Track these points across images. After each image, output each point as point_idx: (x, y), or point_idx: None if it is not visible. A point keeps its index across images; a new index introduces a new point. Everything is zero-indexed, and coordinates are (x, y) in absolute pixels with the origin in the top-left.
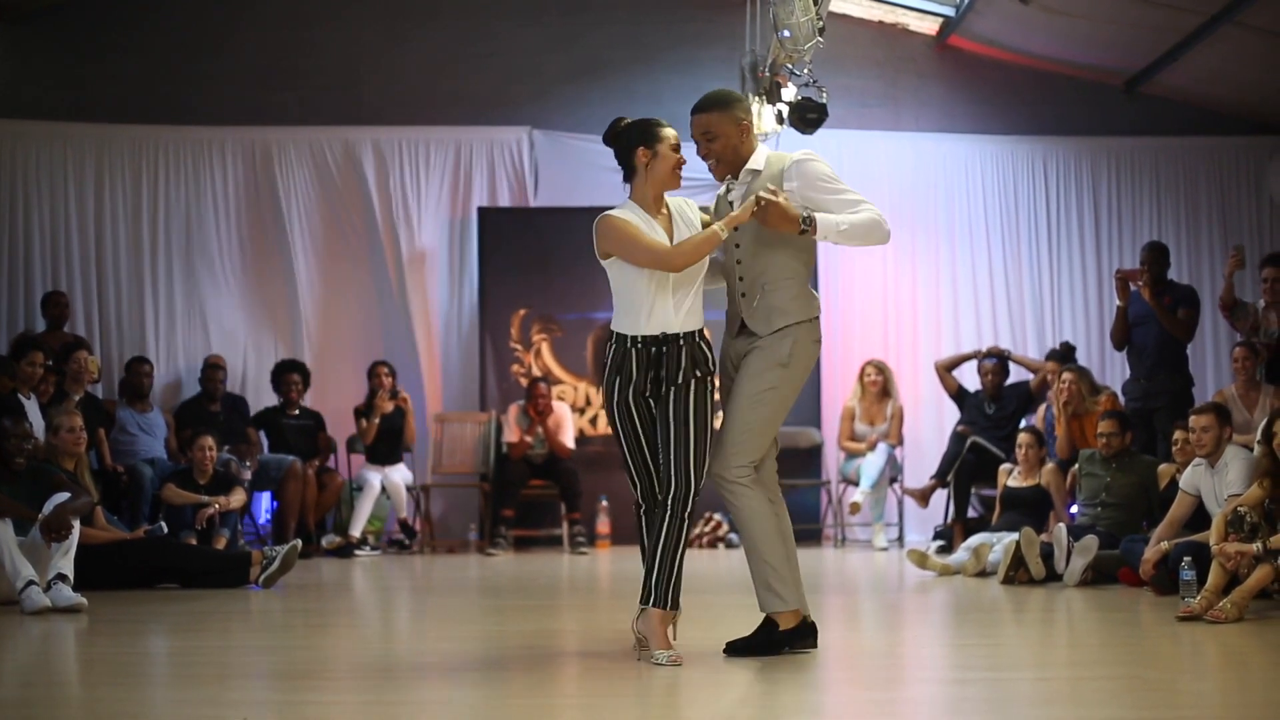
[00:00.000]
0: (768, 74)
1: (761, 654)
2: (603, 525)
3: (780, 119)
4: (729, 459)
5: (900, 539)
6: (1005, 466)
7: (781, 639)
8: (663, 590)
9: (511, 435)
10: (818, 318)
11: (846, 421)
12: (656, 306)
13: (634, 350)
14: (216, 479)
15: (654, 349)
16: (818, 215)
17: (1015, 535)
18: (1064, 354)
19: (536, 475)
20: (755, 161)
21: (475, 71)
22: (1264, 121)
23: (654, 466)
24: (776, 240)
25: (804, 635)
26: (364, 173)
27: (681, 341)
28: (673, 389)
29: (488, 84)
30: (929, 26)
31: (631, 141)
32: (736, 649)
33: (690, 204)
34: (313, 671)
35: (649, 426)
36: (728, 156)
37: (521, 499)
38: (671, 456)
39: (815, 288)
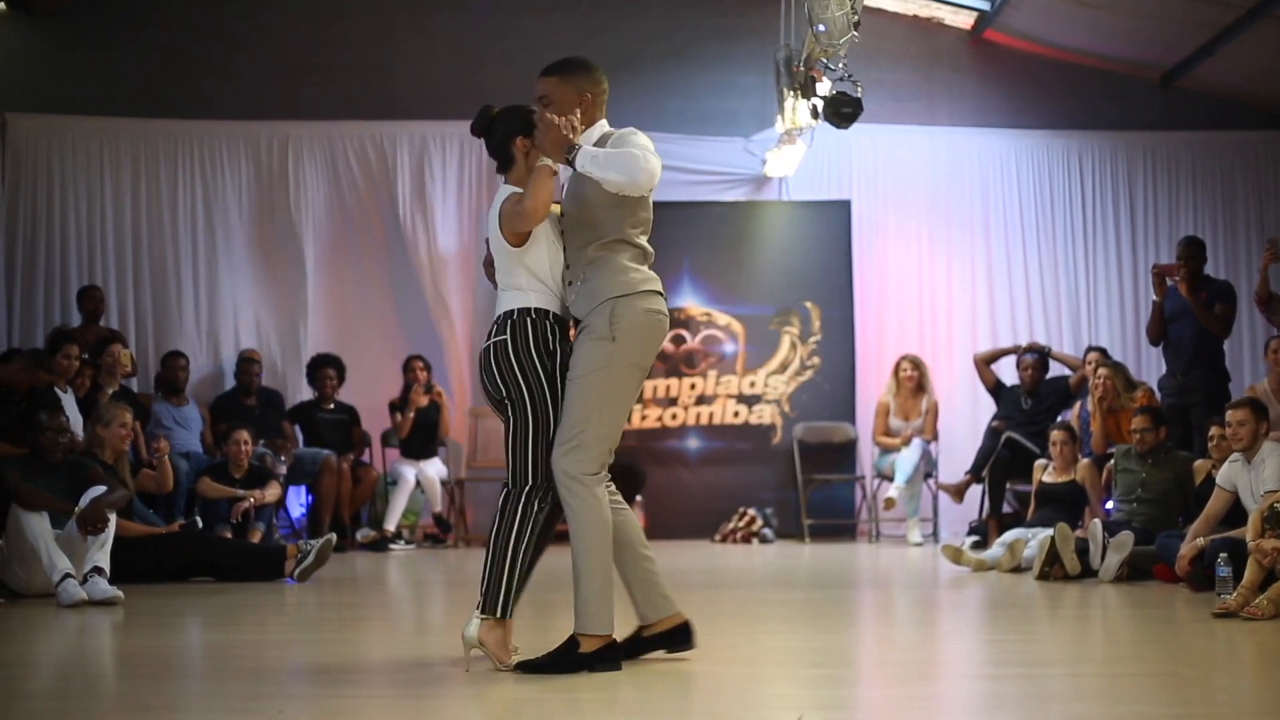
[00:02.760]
0: (802, 69)
1: (558, 673)
2: (639, 520)
3: (815, 114)
4: (573, 450)
5: (935, 534)
6: (1040, 462)
7: (581, 660)
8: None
9: None
10: (647, 292)
11: (881, 416)
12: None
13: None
14: (251, 473)
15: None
16: (582, 147)
17: (1050, 531)
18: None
19: None
20: (588, 136)
21: (506, 65)
22: None
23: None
24: (592, 224)
25: (608, 659)
26: (396, 167)
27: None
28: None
29: (518, 78)
30: (964, 21)
31: (510, 131)
32: (531, 667)
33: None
34: (347, 666)
35: None
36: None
37: None
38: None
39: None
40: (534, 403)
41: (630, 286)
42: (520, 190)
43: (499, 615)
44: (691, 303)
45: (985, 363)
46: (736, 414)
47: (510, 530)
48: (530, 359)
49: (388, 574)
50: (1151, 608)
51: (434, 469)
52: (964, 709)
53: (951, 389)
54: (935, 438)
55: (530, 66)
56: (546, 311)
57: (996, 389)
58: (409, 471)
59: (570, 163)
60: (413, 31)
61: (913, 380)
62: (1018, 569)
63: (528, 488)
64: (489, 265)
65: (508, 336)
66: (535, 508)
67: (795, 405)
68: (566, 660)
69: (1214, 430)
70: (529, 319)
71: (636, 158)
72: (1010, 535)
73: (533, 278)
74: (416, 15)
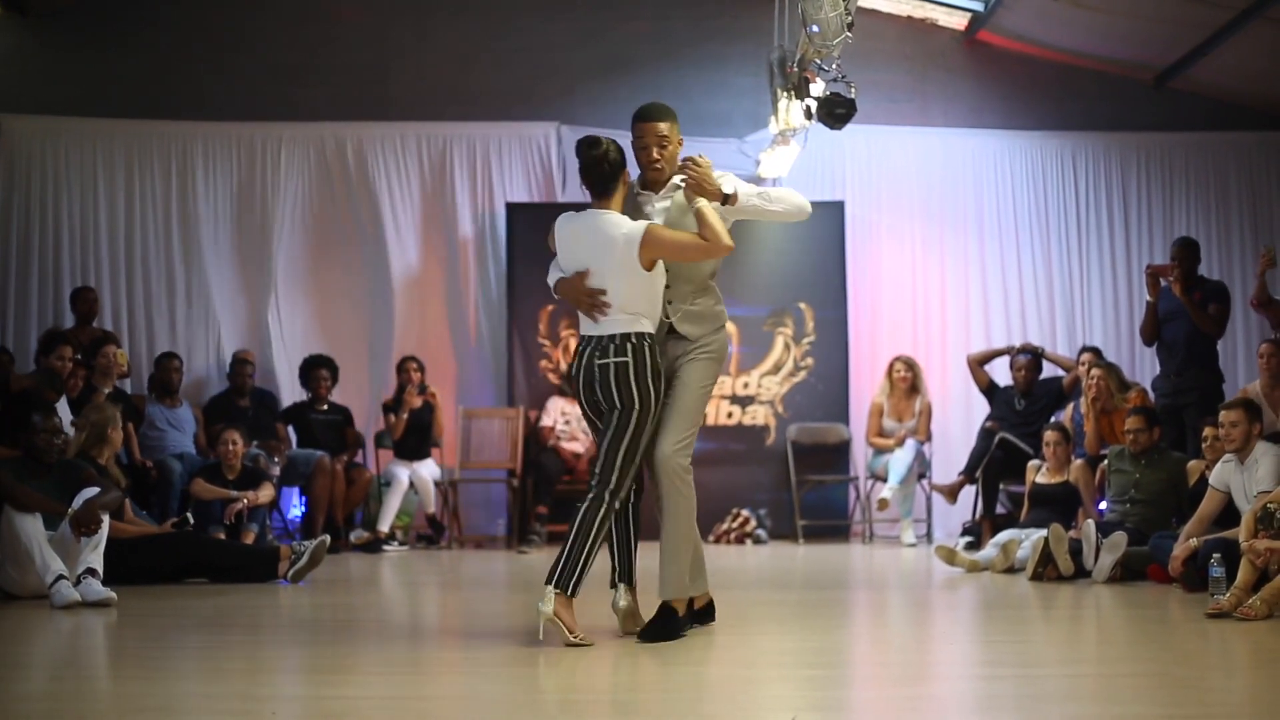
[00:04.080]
0: (796, 69)
1: (669, 639)
2: None
3: (808, 115)
4: (685, 447)
5: (928, 535)
6: (1034, 463)
7: (681, 623)
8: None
9: (546, 420)
10: None
11: (875, 417)
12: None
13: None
14: (244, 474)
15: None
16: (739, 188)
17: (1044, 532)
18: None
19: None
20: (678, 177)
21: (502, 67)
22: None
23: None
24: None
25: (704, 616)
26: (392, 169)
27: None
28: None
29: (515, 79)
30: (958, 21)
31: (623, 162)
32: (650, 637)
33: None
34: (340, 666)
35: None
36: (669, 166)
37: (554, 494)
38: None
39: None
40: (645, 419)
41: (726, 314)
42: (621, 215)
43: (569, 593)
44: None
45: (979, 363)
46: (730, 415)
47: (594, 523)
48: (648, 381)
49: (381, 575)
50: (1145, 608)
51: (427, 470)
52: (958, 709)
53: (945, 390)
54: (929, 438)
55: (526, 68)
56: (653, 337)
57: (990, 390)
58: (402, 473)
59: (728, 201)
60: (408, 33)
61: (906, 381)
62: (1011, 570)
63: (617, 491)
64: (589, 294)
65: (630, 359)
66: (617, 507)
67: (789, 406)
68: (673, 626)
69: (1207, 431)
70: (646, 344)
71: (792, 191)
72: (1004, 536)
73: (650, 305)
74: (412, 17)
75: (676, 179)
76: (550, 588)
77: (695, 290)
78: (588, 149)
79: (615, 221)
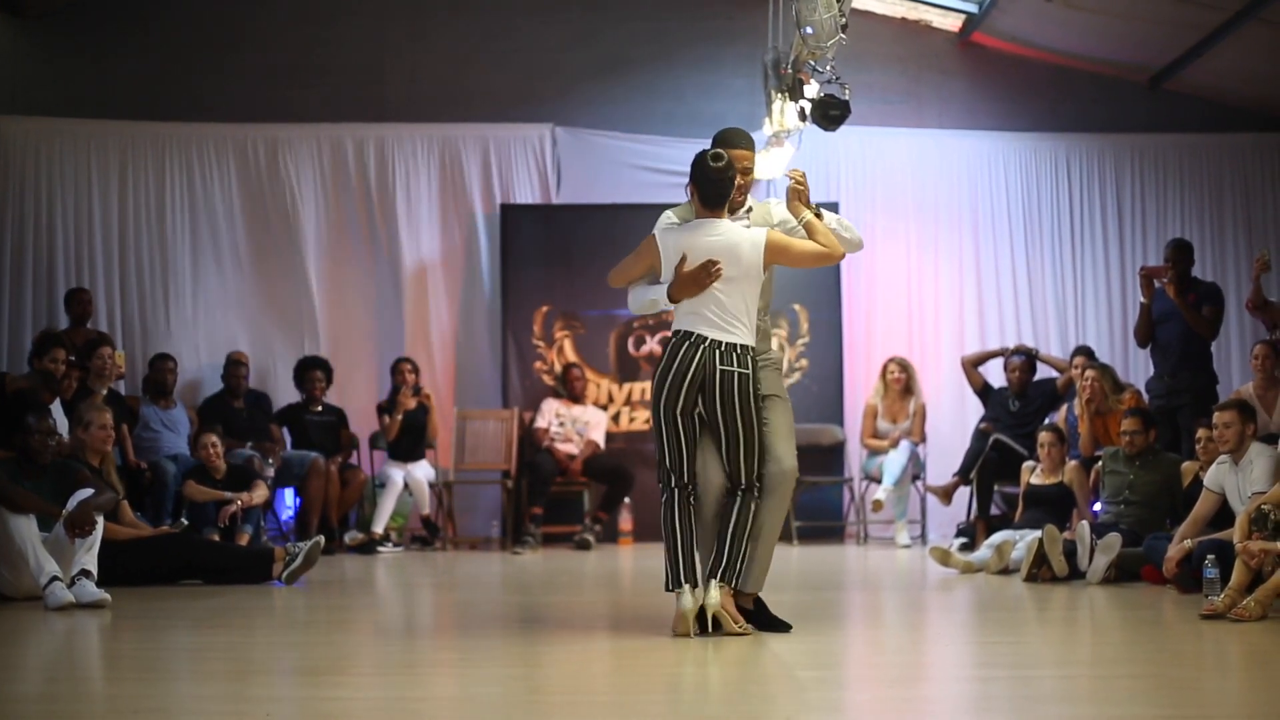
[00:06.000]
0: (790, 71)
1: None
2: (625, 523)
3: (803, 116)
4: (793, 457)
5: (923, 536)
6: (1028, 464)
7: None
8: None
9: (541, 422)
10: None
11: (869, 419)
12: None
13: None
14: (232, 473)
15: None
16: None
17: (1038, 533)
18: (1088, 355)
19: (584, 473)
20: (748, 202)
21: (497, 68)
22: None
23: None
24: (766, 285)
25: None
26: (387, 170)
27: None
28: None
29: (510, 81)
30: (952, 23)
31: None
32: (766, 626)
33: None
34: (335, 668)
35: None
36: (747, 192)
37: (549, 496)
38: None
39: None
40: (757, 424)
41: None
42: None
43: (733, 586)
44: None
45: (973, 365)
46: None
47: (748, 520)
48: (755, 397)
49: (376, 576)
50: (1139, 609)
51: (422, 471)
52: (953, 710)
53: (939, 391)
54: (923, 440)
55: (522, 69)
56: None
57: (984, 391)
58: (397, 474)
59: (819, 215)
60: (405, 34)
61: (900, 382)
62: (1005, 571)
63: (754, 488)
64: (703, 269)
65: (750, 372)
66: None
67: None
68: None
69: (1201, 432)
70: (750, 358)
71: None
72: (998, 537)
73: (753, 317)
74: (409, 18)
75: (773, 204)
76: (715, 582)
77: (764, 307)
78: (712, 161)
79: (734, 228)
